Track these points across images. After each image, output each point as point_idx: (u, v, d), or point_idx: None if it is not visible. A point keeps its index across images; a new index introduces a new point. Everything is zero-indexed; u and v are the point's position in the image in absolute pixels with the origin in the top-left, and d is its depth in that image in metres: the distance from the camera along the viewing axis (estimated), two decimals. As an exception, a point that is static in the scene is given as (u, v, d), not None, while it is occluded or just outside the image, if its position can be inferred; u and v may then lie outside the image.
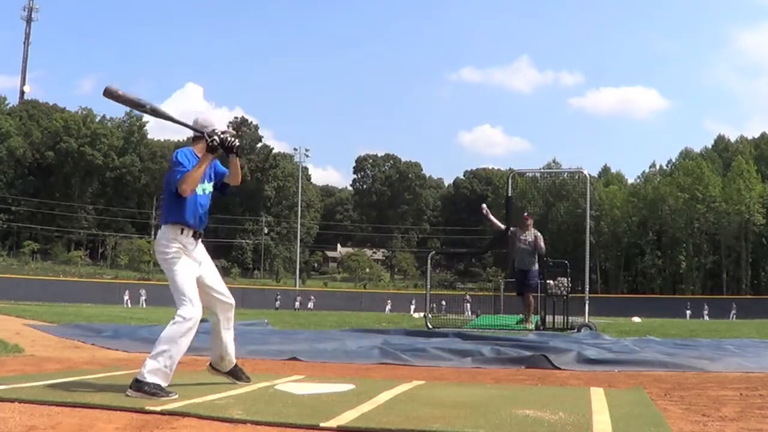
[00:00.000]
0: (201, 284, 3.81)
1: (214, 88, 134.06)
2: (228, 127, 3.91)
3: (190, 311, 3.58)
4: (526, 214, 11.97)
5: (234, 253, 76.56)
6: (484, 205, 12.00)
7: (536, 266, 11.18)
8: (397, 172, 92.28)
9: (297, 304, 50.66)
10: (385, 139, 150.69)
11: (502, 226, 11.47)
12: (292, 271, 71.47)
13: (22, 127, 73.66)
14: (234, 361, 4.00)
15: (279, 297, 51.44)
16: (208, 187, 3.86)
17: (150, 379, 3.40)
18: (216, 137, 3.65)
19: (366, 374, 5.00)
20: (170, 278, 3.66)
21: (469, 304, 32.96)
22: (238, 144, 3.75)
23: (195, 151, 3.78)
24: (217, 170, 3.94)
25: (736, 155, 73.76)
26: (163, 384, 3.43)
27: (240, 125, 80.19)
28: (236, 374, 4.00)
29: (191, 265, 3.73)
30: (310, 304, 50.50)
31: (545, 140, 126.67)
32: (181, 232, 3.71)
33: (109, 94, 3.60)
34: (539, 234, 11.33)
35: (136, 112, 76.89)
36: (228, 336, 3.94)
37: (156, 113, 3.76)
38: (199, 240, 3.83)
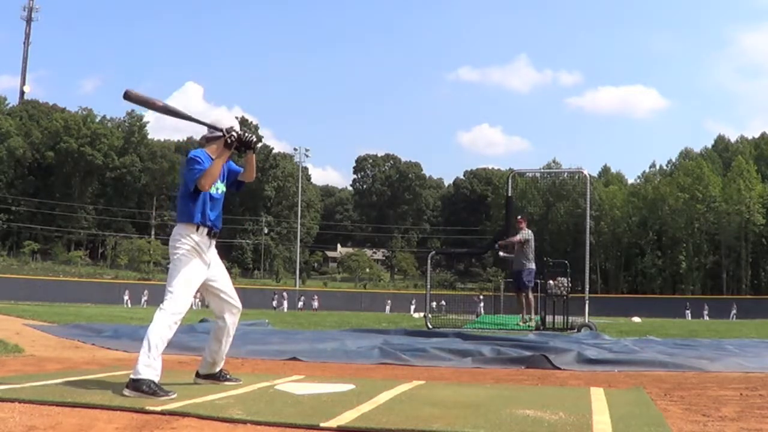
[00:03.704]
0: (210, 287, 3.83)
1: (214, 88, 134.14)
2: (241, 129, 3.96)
3: (175, 306, 3.59)
4: (519, 217, 12.14)
5: (234, 253, 76.52)
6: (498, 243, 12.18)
7: (532, 265, 11.37)
8: (397, 172, 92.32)
9: (300, 304, 50.54)
10: (385, 139, 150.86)
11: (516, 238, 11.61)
12: (292, 271, 71.46)
13: (22, 127, 73.65)
14: (220, 366, 4.00)
15: (276, 297, 51.31)
16: (222, 186, 3.88)
17: (145, 374, 3.39)
18: (234, 134, 3.72)
19: (366, 374, 5.00)
20: (171, 272, 3.67)
21: (482, 305, 33.05)
22: (255, 140, 3.82)
23: (208, 153, 3.81)
24: (231, 168, 3.98)
25: (736, 155, 73.75)
26: (157, 379, 3.42)
27: (239, 126, 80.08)
28: (220, 380, 3.97)
29: (200, 268, 3.73)
30: (315, 304, 50.39)
31: (545, 140, 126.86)
32: (196, 230, 3.72)
33: (128, 96, 3.67)
34: (528, 231, 11.55)
35: (137, 111, 77.55)
36: (227, 345, 3.95)
37: (173, 113, 3.78)
38: (214, 240, 3.83)
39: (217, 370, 3.98)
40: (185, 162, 3.78)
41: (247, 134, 3.77)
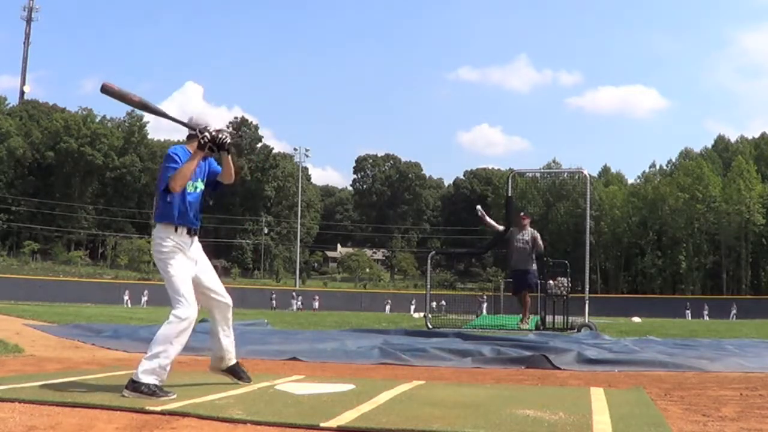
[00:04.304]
0: (197, 284, 3.79)
1: (214, 88, 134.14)
2: (228, 127, 3.87)
3: (186, 311, 3.56)
4: (522, 213, 12.03)
5: (234, 253, 76.54)
6: (479, 207, 12.06)
7: (534, 266, 11.20)
8: (397, 172, 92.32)
9: (299, 303, 50.44)
10: (385, 139, 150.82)
11: (499, 227, 11.53)
12: (292, 271, 71.47)
13: (22, 127, 73.65)
14: (234, 360, 3.99)
15: (275, 296, 51.25)
16: (200, 185, 3.83)
17: (145, 379, 3.40)
18: (207, 134, 3.62)
19: (366, 374, 5.00)
20: (166, 277, 3.66)
21: (485, 305, 33.14)
22: (229, 142, 3.69)
23: (188, 149, 3.75)
24: (212, 168, 3.92)
25: (736, 155, 73.76)
26: (159, 384, 3.43)
27: (240, 126, 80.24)
28: (237, 373, 3.99)
29: (187, 263, 3.71)
30: (316, 304, 50.39)
31: (545, 140, 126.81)
32: (175, 231, 3.70)
33: (105, 90, 3.61)
34: (537, 233, 11.35)
35: (137, 112, 77.66)
36: (227, 338, 3.93)
37: (148, 109, 3.73)
38: (195, 237, 3.80)
39: (230, 364, 3.97)
40: (164, 158, 3.73)
41: (221, 135, 3.66)
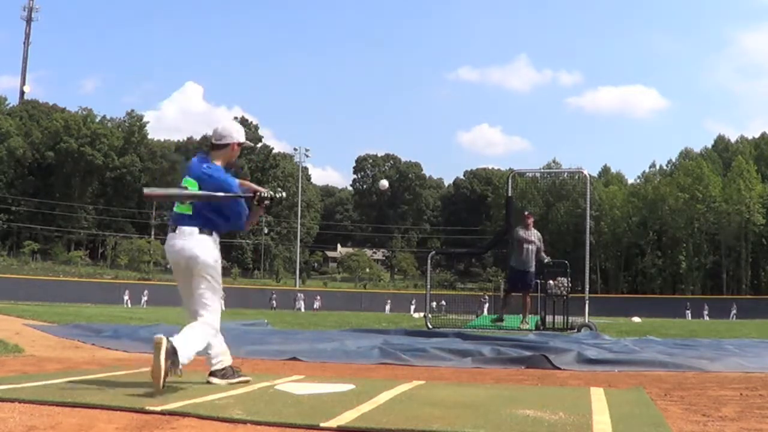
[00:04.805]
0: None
1: (214, 88, 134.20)
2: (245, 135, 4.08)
3: (216, 321, 3.79)
4: (526, 213, 12.06)
5: (234, 253, 76.55)
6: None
7: (533, 267, 11.29)
8: (397, 172, 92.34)
9: (300, 303, 50.37)
10: (385, 139, 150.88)
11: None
12: (292, 271, 71.49)
13: (22, 127, 73.66)
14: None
15: (274, 297, 51.20)
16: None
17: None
18: (267, 196, 3.84)
19: (366, 374, 5.00)
20: (210, 285, 3.75)
21: (486, 305, 33.15)
22: (268, 203, 3.88)
23: (219, 164, 3.87)
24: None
25: (736, 155, 73.79)
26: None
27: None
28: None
29: None
30: (317, 304, 50.27)
31: (545, 140, 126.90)
32: (216, 243, 3.85)
33: (148, 198, 3.84)
34: (540, 236, 11.47)
35: (136, 111, 77.47)
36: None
37: (198, 198, 3.79)
38: None
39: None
40: (216, 174, 3.77)
41: (267, 201, 3.84)
